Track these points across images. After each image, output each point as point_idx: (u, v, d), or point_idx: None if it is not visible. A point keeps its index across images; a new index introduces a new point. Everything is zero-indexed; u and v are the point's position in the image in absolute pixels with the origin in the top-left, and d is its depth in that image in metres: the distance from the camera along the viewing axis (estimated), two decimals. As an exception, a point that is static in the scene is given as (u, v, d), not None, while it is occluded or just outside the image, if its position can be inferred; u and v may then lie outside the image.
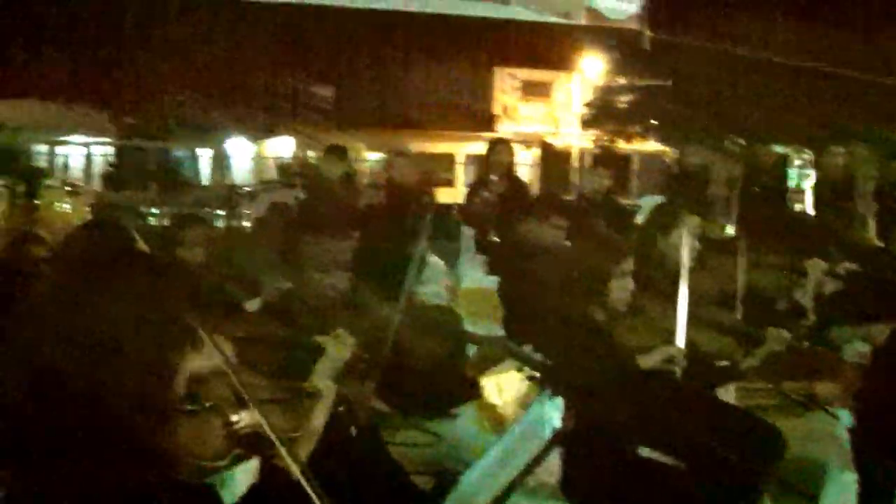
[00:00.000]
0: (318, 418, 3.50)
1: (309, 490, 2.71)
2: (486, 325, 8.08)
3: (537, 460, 3.19)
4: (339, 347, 4.10)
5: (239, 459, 2.88)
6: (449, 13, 10.78)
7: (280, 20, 35.92)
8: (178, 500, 2.67)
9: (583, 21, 10.43)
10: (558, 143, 39.03)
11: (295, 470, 2.78)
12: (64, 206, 11.09)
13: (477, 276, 9.95)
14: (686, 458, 5.62)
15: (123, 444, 2.55)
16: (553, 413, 3.45)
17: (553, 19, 10.31)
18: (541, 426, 3.42)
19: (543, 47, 35.64)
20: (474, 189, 11.08)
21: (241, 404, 2.92)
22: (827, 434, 7.21)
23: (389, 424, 7.17)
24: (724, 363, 5.59)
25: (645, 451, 5.61)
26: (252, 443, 2.95)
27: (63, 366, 2.53)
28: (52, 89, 33.43)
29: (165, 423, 2.64)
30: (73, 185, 11.28)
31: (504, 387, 5.44)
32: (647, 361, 5.18)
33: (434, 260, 10.88)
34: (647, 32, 10.83)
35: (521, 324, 6.43)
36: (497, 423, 5.52)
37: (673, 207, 6.63)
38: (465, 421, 5.75)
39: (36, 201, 11.00)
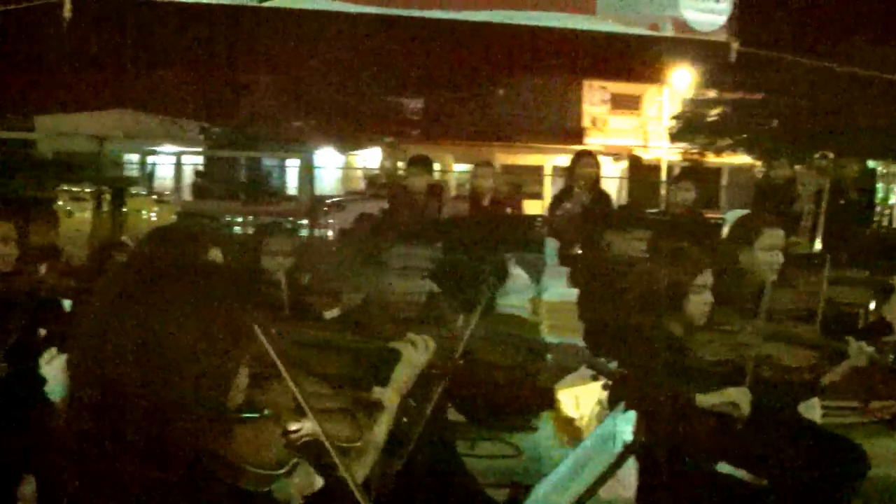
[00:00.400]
0: (381, 429, 3.49)
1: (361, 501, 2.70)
2: (567, 338, 8.06)
3: (608, 473, 3.16)
4: (413, 353, 4.09)
5: (297, 468, 2.86)
6: (538, 25, 10.81)
7: (370, 31, 36.14)
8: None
9: (670, 32, 10.42)
10: (647, 155, 38.88)
11: (350, 482, 2.77)
12: (150, 214, 11.26)
13: (560, 289, 9.91)
14: (766, 476, 5.55)
15: (181, 451, 2.56)
16: (624, 426, 3.43)
17: (640, 31, 10.30)
18: (612, 439, 3.39)
19: (633, 60, 35.52)
20: (558, 200, 11.03)
21: (300, 413, 2.91)
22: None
23: (470, 436, 7.20)
24: (805, 378, 5.49)
25: (725, 468, 5.55)
26: (311, 452, 2.94)
27: (125, 372, 2.55)
28: (143, 100, 33.91)
29: (223, 431, 2.65)
30: (159, 194, 11.42)
31: (581, 400, 5.41)
32: (709, 401, 5.10)
33: (518, 271, 10.86)
34: (735, 45, 10.79)
35: (600, 336, 6.40)
36: (574, 435, 5.50)
37: (755, 220, 6.54)
38: (544, 433, 5.74)
39: (123, 209, 11.18)
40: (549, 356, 4.58)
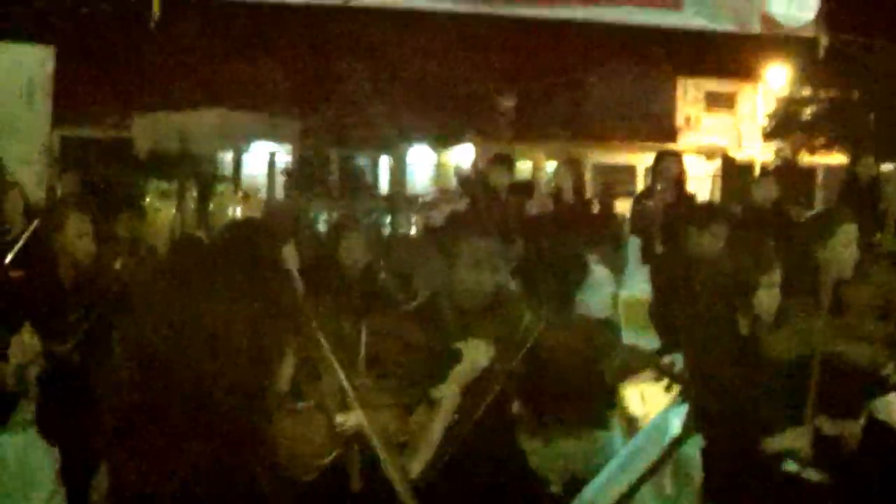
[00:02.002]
0: (437, 426, 3.52)
1: (404, 496, 2.74)
2: (646, 336, 8.06)
3: (658, 465, 3.17)
4: (476, 355, 4.13)
5: (341, 458, 2.92)
6: (632, 22, 10.66)
7: (463, 29, 36.17)
8: (280, 494, 2.74)
9: (758, 28, 10.20)
10: (741, 154, 38.50)
11: (394, 475, 2.81)
12: (235, 210, 11.42)
13: (640, 286, 9.90)
14: (833, 476, 5.50)
15: (226, 436, 2.62)
16: (674, 421, 3.43)
17: (727, 27, 10.10)
18: (662, 433, 3.40)
19: (728, 57, 35.21)
20: (640, 199, 11.02)
21: (348, 405, 2.96)
22: None
23: (546, 434, 7.22)
24: (873, 375, 5.43)
25: (791, 467, 5.51)
26: (357, 443, 2.99)
27: (174, 358, 2.62)
28: (238, 98, 34.26)
29: (267, 418, 2.71)
30: (244, 191, 11.57)
31: (647, 397, 5.42)
32: (774, 445, 5.07)
33: (600, 269, 10.87)
34: (824, 40, 10.57)
35: (673, 333, 6.38)
36: (633, 430, 5.51)
37: (831, 215, 6.48)
38: (615, 431, 5.73)
39: (209, 205, 11.35)
40: (616, 358, 4.59)
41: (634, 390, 5.19)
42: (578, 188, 11.16)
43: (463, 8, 12.45)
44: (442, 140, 38.28)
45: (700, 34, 13.48)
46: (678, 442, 3.20)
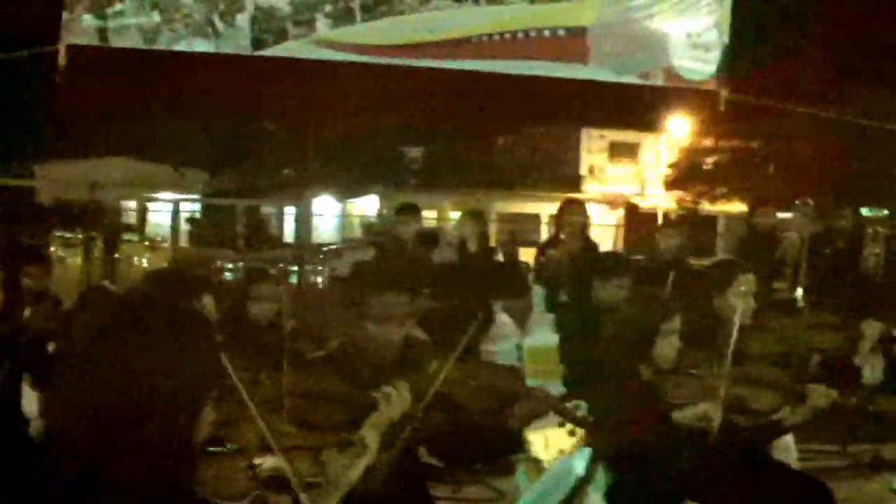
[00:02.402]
0: (354, 469, 3.58)
1: None
2: (552, 384, 8.16)
3: None
4: (389, 404, 4.21)
5: (260, 501, 2.99)
6: (534, 74, 10.86)
7: (369, 81, 36.36)
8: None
9: (661, 81, 10.45)
10: (644, 203, 39.04)
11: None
12: (142, 260, 11.41)
13: (546, 335, 9.99)
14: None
15: (148, 481, 2.67)
16: (579, 463, 3.53)
17: (631, 79, 10.34)
18: (567, 476, 3.50)
19: (631, 108, 35.77)
20: (544, 248, 11.16)
21: (266, 449, 3.03)
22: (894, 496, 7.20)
23: (453, 480, 7.30)
24: (770, 419, 5.58)
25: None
26: (275, 486, 3.07)
27: (100, 407, 2.66)
28: (144, 148, 34.12)
29: (186, 463, 2.76)
30: (151, 241, 11.55)
31: (551, 442, 5.50)
32: (681, 417, 5.20)
33: (503, 318, 11.00)
34: (725, 93, 10.86)
35: (577, 381, 6.50)
36: (538, 474, 5.59)
37: (728, 265, 6.66)
38: (520, 476, 5.81)
39: (115, 255, 11.31)
40: (518, 402, 4.68)
41: (538, 435, 5.27)
42: (482, 237, 11.27)
43: (366, 59, 12.63)
44: (347, 191, 38.39)
45: (605, 86, 13.71)
46: (583, 483, 3.29)
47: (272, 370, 4.11)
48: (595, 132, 41.44)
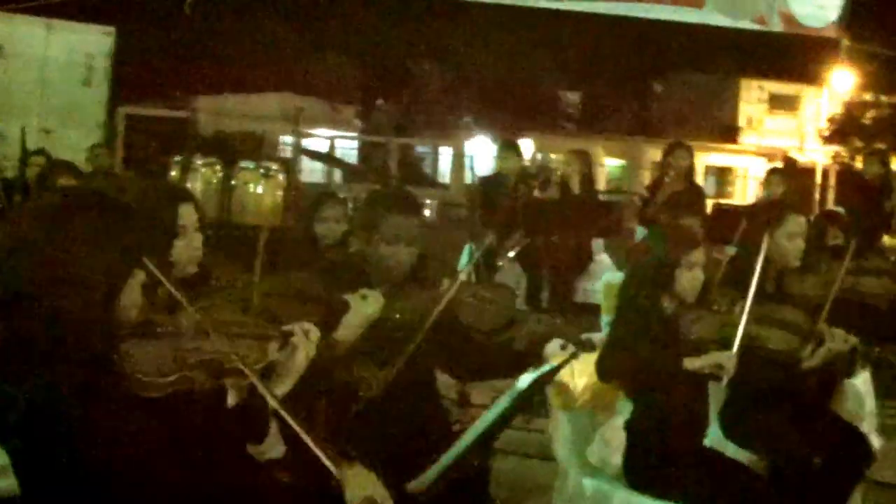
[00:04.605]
0: (298, 360, 3.75)
1: (285, 415, 3.01)
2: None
3: (496, 421, 3.39)
4: (364, 305, 4.40)
5: (188, 381, 3.22)
6: (652, 18, 10.77)
7: (530, 24, 36.29)
8: (127, 413, 3.08)
9: (779, 27, 10.26)
10: (802, 158, 38.25)
11: (268, 396, 3.10)
12: (257, 188, 11.75)
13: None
14: (766, 456, 5.66)
15: (74, 354, 2.96)
16: (525, 378, 3.66)
17: (746, 25, 10.19)
18: (513, 389, 3.63)
19: (792, 59, 35.03)
20: (650, 190, 11.23)
21: (204, 334, 3.26)
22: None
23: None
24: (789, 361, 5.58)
25: (729, 449, 5.67)
26: (208, 369, 3.28)
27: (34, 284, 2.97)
28: (303, 84, 34.70)
29: (109, 342, 3.04)
30: (267, 169, 11.87)
31: (575, 367, 5.62)
32: (695, 364, 5.23)
33: (602, 256, 11.16)
34: (846, 41, 10.61)
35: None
36: (568, 401, 5.70)
37: (780, 205, 6.63)
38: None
39: (232, 182, 11.68)
40: (524, 325, 4.82)
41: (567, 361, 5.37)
42: (585, 178, 11.37)
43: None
44: (504, 133, 38.44)
45: (766, 35, 13.52)
46: (522, 397, 3.42)
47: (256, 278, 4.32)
48: (754, 82, 40.68)
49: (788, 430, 5.70)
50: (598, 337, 5.51)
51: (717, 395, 5.66)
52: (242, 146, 16.92)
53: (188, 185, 11.60)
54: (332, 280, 4.73)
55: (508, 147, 11.74)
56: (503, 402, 3.61)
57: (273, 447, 4.40)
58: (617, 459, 5.48)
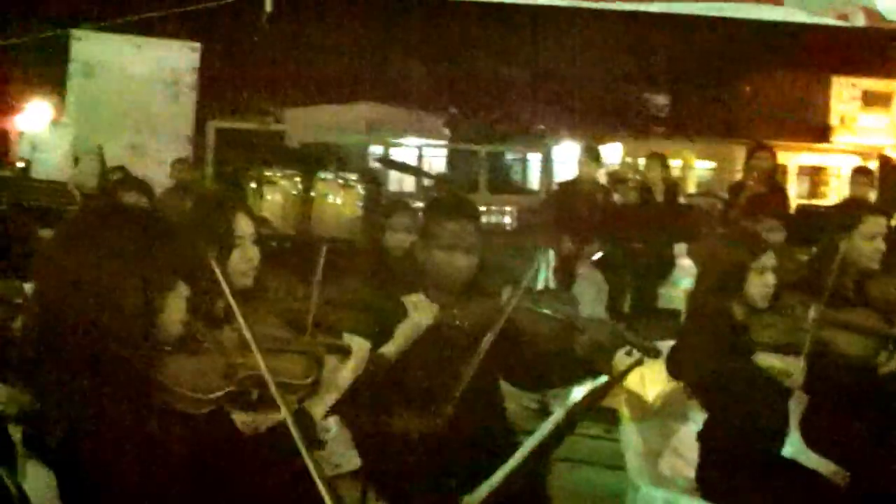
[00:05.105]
0: (344, 375, 3.71)
1: (295, 435, 2.95)
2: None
3: (548, 440, 3.30)
4: (419, 312, 4.36)
5: (235, 397, 3.19)
6: (731, 16, 10.60)
7: (615, 28, 36.09)
8: (168, 431, 3.04)
9: (862, 22, 10.02)
10: (899, 155, 37.57)
11: (287, 416, 3.03)
12: (336, 199, 11.74)
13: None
14: (846, 466, 5.52)
15: (114, 375, 2.93)
16: (577, 392, 3.57)
17: (828, 21, 9.97)
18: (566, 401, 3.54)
19: (885, 55, 34.40)
20: (732, 192, 11.10)
21: (248, 349, 3.21)
22: None
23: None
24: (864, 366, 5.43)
25: (810, 459, 5.54)
26: (253, 384, 3.24)
27: (73, 301, 2.95)
28: (387, 94, 34.82)
29: (153, 359, 3.02)
30: (346, 180, 11.85)
31: (647, 376, 5.53)
32: (765, 362, 5.12)
33: (684, 261, 11.01)
34: (927, 36, 10.40)
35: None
36: (641, 411, 5.61)
37: (857, 206, 6.47)
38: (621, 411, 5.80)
39: (311, 194, 11.69)
40: (585, 331, 4.72)
41: (634, 373, 5.29)
42: (667, 182, 11.28)
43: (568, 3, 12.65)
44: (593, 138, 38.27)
45: (857, 32, 13.20)
46: (574, 412, 3.33)
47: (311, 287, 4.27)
48: (846, 80, 40.02)
49: (868, 438, 5.55)
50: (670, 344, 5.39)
51: (798, 402, 5.54)
52: (326, 157, 16.96)
53: (268, 197, 11.64)
54: (388, 289, 4.70)
55: (589, 152, 11.68)
56: (557, 415, 3.53)
57: (349, 460, 4.37)
58: (689, 471, 5.38)
